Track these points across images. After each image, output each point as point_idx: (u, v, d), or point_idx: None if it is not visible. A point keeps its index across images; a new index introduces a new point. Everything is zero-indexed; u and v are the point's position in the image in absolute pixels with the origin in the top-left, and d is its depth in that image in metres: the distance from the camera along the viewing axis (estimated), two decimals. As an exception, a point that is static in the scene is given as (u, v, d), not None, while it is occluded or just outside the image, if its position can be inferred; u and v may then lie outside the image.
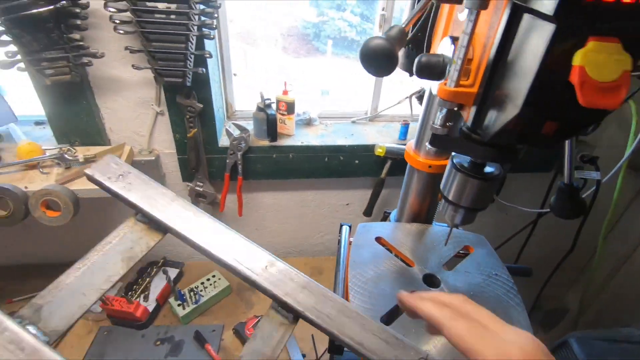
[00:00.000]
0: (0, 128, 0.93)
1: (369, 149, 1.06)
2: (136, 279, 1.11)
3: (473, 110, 0.37)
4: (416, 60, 0.39)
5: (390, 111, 1.17)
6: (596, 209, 1.22)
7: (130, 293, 1.07)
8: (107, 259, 0.39)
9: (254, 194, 1.15)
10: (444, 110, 0.38)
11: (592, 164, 1.12)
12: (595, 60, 0.23)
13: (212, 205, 1.10)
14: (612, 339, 0.92)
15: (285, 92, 1.01)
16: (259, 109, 0.99)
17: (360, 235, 0.66)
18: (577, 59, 0.24)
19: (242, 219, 1.18)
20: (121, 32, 0.76)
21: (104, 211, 1.10)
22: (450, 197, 0.46)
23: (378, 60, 0.37)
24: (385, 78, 1.12)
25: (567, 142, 0.47)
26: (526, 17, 0.29)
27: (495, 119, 0.33)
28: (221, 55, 1.02)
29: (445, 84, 0.37)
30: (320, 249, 1.33)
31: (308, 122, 1.14)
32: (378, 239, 0.66)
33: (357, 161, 1.08)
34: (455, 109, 0.39)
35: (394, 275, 0.59)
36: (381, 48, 0.36)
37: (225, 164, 1.02)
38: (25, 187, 0.81)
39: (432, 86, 0.52)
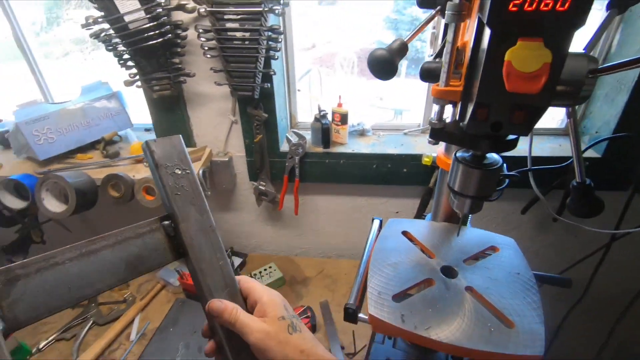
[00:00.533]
0: (121, 132, 1.21)
1: (417, 158, 1.11)
2: (208, 263, 1.30)
3: (459, 106, 0.43)
4: (420, 67, 0.47)
5: (443, 124, 1.20)
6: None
7: (202, 274, 1.26)
8: (113, 257, 0.36)
9: (309, 196, 1.27)
10: (438, 107, 0.45)
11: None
12: (520, 56, 0.29)
13: (273, 204, 1.25)
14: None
15: (339, 105, 1.13)
16: (316, 119, 1.12)
17: (389, 227, 0.73)
18: (507, 55, 0.30)
19: (298, 219, 1.31)
20: (208, 56, 0.97)
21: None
22: (456, 188, 0.51)
23: (379, 67, 0.46)
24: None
25: (572, 138, 0.49)
26: (486, 27, 0.36)
27: (471, 112, 0.39)
28: (287, 73, 1.18)
29: (437, 85, 0.44)
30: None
31: (362, 133, 1.24)
32: (405, 233, 0.72)
33: (405, 169, 1.13)
34: (450, 105, 0.46)
35: (413, 263, 0.64)
36: (382, 58, 0.45)
37: (284, 167, 1.16)
38: (133, 176, 1.05)
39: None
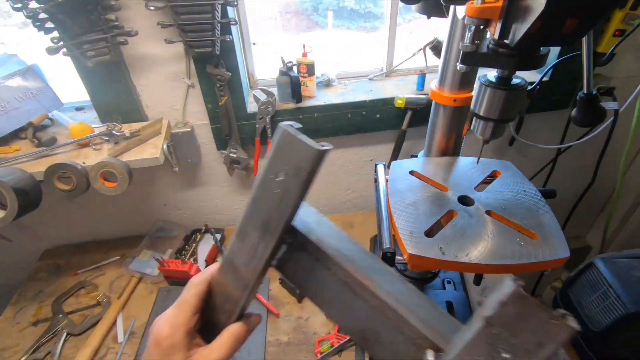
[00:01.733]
0: (49, 114, 1.00)
1: (389, 102, 1.10)
2: (183, 245, 1.21)
3: (499, 24, 0.41)
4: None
5: (405, 65, 1.20)
6: (614, 143, 1.25)
7: (179, 257, 1.17)
8: None
9: (282, 157, 1.21)
10: (472, 28, 0.43)
11: (609, 95, 1.14)
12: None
13: (246, 170, 1.18)
14: (636, 256, 0.97)
15: (304, 55, 1.06)
16: (282, 73, 1.04)
17: (395, 170, 0.72)
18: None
19: (274, 182, 1.26)
20: (152, 8, 0.82)
21: (150, 183, 1.19)
22: (481, 113, 0.51)
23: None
24: (396, 32, 1.15)
25: (585, 49, 0.51)
26: None
27: (520, 26, 0.38)
28: (240, 25, 1.06)
29: (472, 3, 0.42)
30: (348, 206, 1.40)
31: (327, 83, 1.19)
32: (412, 173, 0.72)
33: (378, 115, 1.12)
34: (482, 26, 0.44)
35: (431, 199, 0.65)
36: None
37: (255, 130, 1.08)
38: (83, 163, 0.90)
39: (457, 10, 0.56)
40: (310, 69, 1.07)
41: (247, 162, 1.14)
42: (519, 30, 0.38)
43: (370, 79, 1.22)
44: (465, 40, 0.44)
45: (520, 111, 1.17)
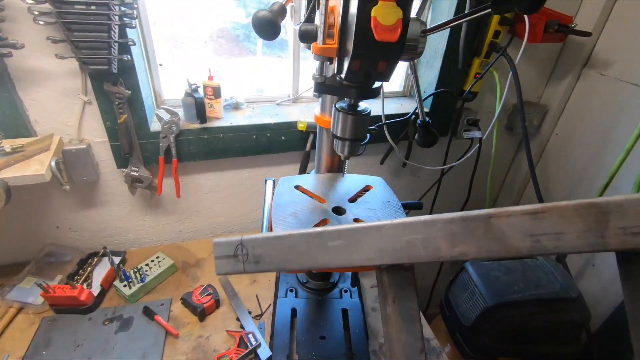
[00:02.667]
0: None
1: (293, 125, 1.19)
2: (76, 270, 1.13)
3: (336, 61, 0.51)
4: (297, 29, 0.53)
5: (309, 93, 1.32)
6: (483, 163, 1.48)
7: (71, 283, 1.09)
8: None
9: (191, 176, 1.22)
10: (318, 63, 0.53)
11: (475, 126, 1.38)
12: (382, 13, 0.39)
13: (150, 190, 1.16)
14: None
15: (210, 78, 1.11)
16: (187, 94, 1.08)
17: (282, 185, 0.79)
18: (373, 12, 0.39)
19: (182, 201, 1.25)
20: (41, 23, 0.81)
21: (32, 203, 1.11)
22: (338, 134, 0.61)
23: (264, 27, 0.50)
24: (303, 65, 1.27)
25: (415, 87, 0.64)
26: (352, -8, 0.44)
27: (346, 64, 0.48)
28: (145, 46, 1.08)
29: (317, 43, 0.51)
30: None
31: (236, 106, 1.25)
32: (297, 187, 0.80)
33: (283, 137, 1.21)
34: (329, 62, 0.53)
35: (310, 210, 0.73)
36: (265, 18, 0.49)
37: (158, 148, 1.09)
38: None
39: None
40: (216, 92, 1.12)
41: (150, 180, 1.13)
42: (346, 67, 0.48)
43: (277, 104, 1.31)
44: (315, 73, 0.53)
45: (409, 137, 1.35)
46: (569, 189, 1.47)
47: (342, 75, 0.50)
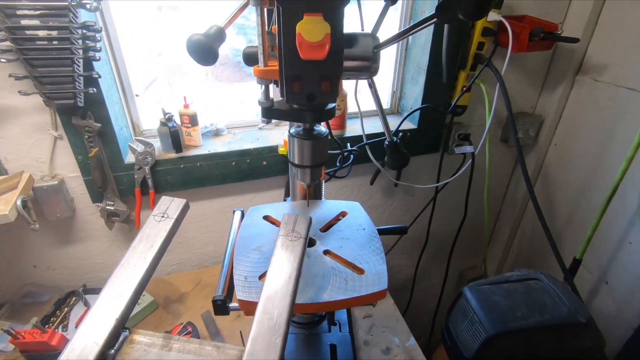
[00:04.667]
0: None
1: (274, 149, 1.15)
2: (53, 311, 1.08)
3: (280, 83, 0.47)
4: (242, 52, 0.49)
5: (293, 115, 1.28)
6: (479, 178, 1.42)
7: (47, 326, 1.04)
8: None
9: (171, 207, 1.18)
10: (263, 87, 0.49)
11: (466, 140, 1.32)
12: (307, 28, 0.34)
13: (128, 223, 1.12)
14: (496, 282, 1.08)
15: (186, 106, 1.08)
16: (162, 124, 1.05)
17: (250, 216, 0.74)
18: (297, 28, 0.35)
19: (163, 234, 1.20)
20: (3, 60, 0.79)
21: (8, 242, 1.07)
22: (295, 161, 0.56)
23: (198, 53, 0.46)
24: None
25: (376, 106, 0.59)
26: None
27: (286, 87, 0.44)
28: (119, 77, 1.07)
29: (259, 66, 0.47)
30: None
31: (216, 133, 1.22)
32: (266, 217, 0.74)
33: (264, 162, 1.16)
34: (275, 85, 0.49)
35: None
36: (199, 43, 0.46)
37: (134, 180, 1.05)
38: None
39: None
40: (192, 119, 1.09)
41: (127, 213, 1.09)
42: (287, 90, 0.44)
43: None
44: (260, 98, 0.49)
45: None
46: (573, 200, 1.39)
47: (286, 99, 0.46)
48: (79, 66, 0.84)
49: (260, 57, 0.45)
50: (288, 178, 1.20)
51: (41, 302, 1.11)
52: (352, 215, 0.75)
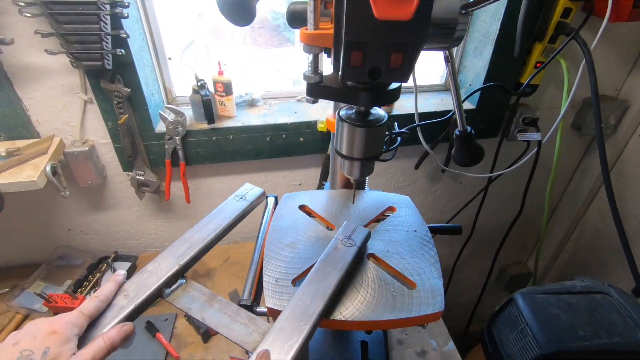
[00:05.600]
0: None
1: (312, 125, 1.05)
2: (86, 275, 1.09)
3: (333, 53, 0.36)
4: (286, 9, 0.38)
5: (335, 87, 1.16)
6: (543, 171, 1.25)
7: (79, 290, 1.04)
8: None
9: (201, 180, 1.13)
10: (311, 56, 0.38)
11: (533, 126, 1.15)
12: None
13: (158, 194, 1.08)
14: (554, 292, 0.95)
15: (220, 73, 0.99)
16: (194, 91, 0.97)
17: (284, 204, 0.66)
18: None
19: (192, 206, 1.16)
20: (27, 15, 0.73)
21: (44, 204, 1.07)
22: (343, 152, 0.46)
23: (232, 9, 0.36)
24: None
25: (452, 86, 0.47)
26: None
27: (343, 58, 0.33)
28: (152, 38, 0.99)
29: (306, 29, 0.36)
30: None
31: (251, 103, 1.12)
32: (302, 207, 0.66)
33: (301, 139, 1.07)
34: (324, 53, 0.38)
35: (312, 240, 0.58)
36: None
37: (164, 150, 0.99)
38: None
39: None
40: (227, 88, 1.00)
41: (157, 184, 1.05)
42: (343, 62, 0.33)
43: (298, 101, 1.16)
44: (306, 70, 0.39)
45: (449, 138, 1.15)
46: (653, 203, 1.19)
47: (340, 75, 0.35)
48: (105, 23, 0.76)
49: (310, 17, 0.34)
50: (327, 158, 1.10)
51: (75, 266, 1.12)
52: (402, 212, 0.64)
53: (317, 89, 0.39)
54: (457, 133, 0.52)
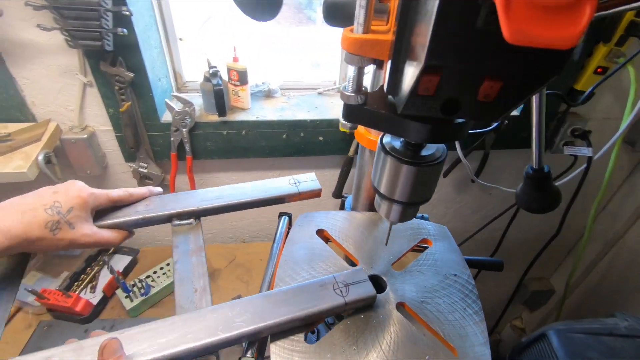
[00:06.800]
0: None
1: (334, 124, 0.94)
2: (84, 268, 1.02)
3: (389, 67, 0.25)
4: (323, 2, 0.27)
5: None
6: (586, 186, 1.12)
7: (76, 284, 0.98)
8: None
9: (209, 175, 1.04)
10: (354, 70, 0.27)
11: (583, 139, 1.01)
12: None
13: (162, 187, 0.99)
14: (594, 332, 0.84)
15: (235, 59, 0.88)
16: (206, 79, 0.87)
17: (299, 227, 0.56)
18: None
19: (199, 203, 1.08)
20: (17, -18, 0.63)
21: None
22: (382, 190, 0.35)
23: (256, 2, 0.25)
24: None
25: (534, 113, 0.35)
26: None
27: (409, 79, 0.22)
28: (162, 15, 0.88)
29: (351, 30, 0.25)
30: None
31: (268, 94, 1.02)
32: (320, 232, 0.56)
33: (321, 138, 0.96)
34: (373, 65, 0.27)
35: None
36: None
37: (170, 142, 0.90)
38: None
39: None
40: (242, 76, 0.89)
41: (161, 178, 0.96)
42: (406, 86, 0.22)
43: (319, 94, 1.05)
44: (347, 87, 0.28)
45: (485, 146, 1.03)
46: None
47: (398, 99, 0.24)
48: (106, -2, 0.66)
49: (360, 14, 0.23)
50: (348, 161, 0.99)
51: (73, 257, 1.06)
52: (438, 247, 0.54)
53: (359, 112, 0.28)
54: (529, 171, 0.40)
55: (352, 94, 0.28)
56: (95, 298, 0.95)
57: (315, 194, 0.56)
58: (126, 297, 0.94)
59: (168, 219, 0.49)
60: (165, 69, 0.92)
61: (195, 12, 0.94)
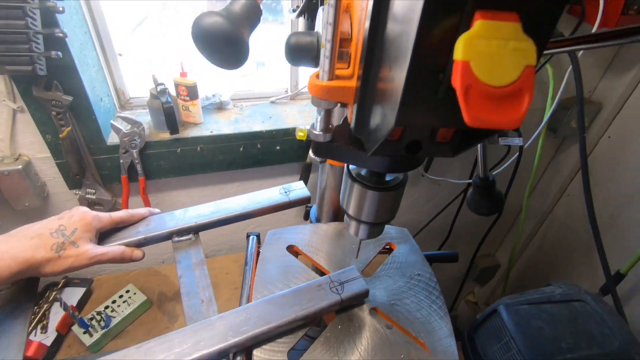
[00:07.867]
0: None
1: (290, 132, 0.95)
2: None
3: (355, 109, 0.27)
4: (285, 40, 0.29)
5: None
6: (520, 172, 1.25)
7: (23, 325, 0.90)
8: None
9: (165, 194, 1.00)
10: (322, 112, 0.29)
11: (514, 130, 1.13)
12: (486, 51, 0.15)
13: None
14: (536, 302, 0.95)
15: (183, 74, 0.86)
16: (153, 96, 0.83)
17: (269, 245, 0.57)
18: (459, 49, 0.15)
19: (155, 223, 1.04)
20: None
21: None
22: (350, 212, 0.38)
23: (217, 47, 0.25)
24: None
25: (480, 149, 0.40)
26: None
27: (378, 124, 0.24)
28: (97, 30, 0.83)
29: (317, 77, 0.27)
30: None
31: (220, 106, 1.00)
32: (290, 248, 0.57)
33: (278, 147, 0.97)
34: (339, 106, 0.29)
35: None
36: (219, 30, 0.25)
37: (119, 165, 0.86)
38: None
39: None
40: (191, 92, 0.87)
41: (112, 202, 0.91)
42: (377, 131, 0.24)
43: (272, 102, 1.06)
44: (314, 125, 0.30)
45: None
46: (618, 203, 1.23)
47: (365, 137, 0.27)
48: (34, 20, 0.61)
49: (325, 64, 0.25)
50: (306, 167, 1.01)
51: (16, 296, 0.96)
52: (402, 250, 0.58)
53: (327, 148, 0.30)
54: (477, 181, 0.45)
55: (320, 133, 0.30)
56: (48, 339, 0.88)
57: (305, 200, 0.59)
58: (84, 332, 0.88)
59: (168, 236, 0.52)
60: (107, 88, 0.87)
61: (129, 20, 0.89)
